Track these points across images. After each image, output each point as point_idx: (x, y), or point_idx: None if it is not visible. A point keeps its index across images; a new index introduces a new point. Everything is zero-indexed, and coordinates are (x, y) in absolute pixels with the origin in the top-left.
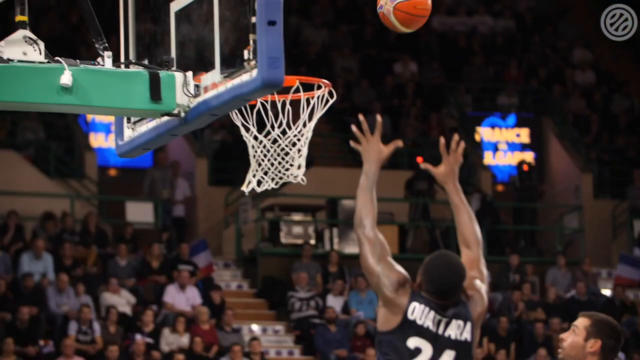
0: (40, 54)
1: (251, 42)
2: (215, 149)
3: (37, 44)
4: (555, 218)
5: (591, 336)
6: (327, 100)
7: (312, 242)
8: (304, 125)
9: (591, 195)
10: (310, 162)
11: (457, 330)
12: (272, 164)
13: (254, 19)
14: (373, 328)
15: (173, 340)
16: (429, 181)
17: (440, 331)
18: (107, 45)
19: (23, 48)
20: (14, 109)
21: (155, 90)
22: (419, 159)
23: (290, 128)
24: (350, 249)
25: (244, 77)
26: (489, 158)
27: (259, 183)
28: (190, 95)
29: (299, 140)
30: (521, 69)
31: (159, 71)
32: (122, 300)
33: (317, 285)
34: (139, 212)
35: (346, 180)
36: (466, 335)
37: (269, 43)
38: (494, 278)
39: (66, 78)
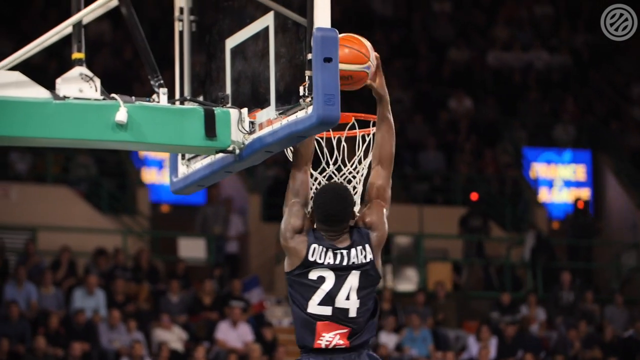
0: (96, 90)
1: (307, 78)
2: (269, 185)
3: (93, 80)
4: (612, 256)
5: None
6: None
7: None
8: (359, 162)
9: None
10: (363, 198)
11: (360, 255)
12: None
13: (309, 56)
14: None
15: None
16: (483, 218)
17: (341, 262)
18: (162, 82)
19: (79, 85)
20: (70, 146)
21: (210, 127)
22: (474, 195)
23: (345, 165)
24: (404, 286)
25: (300, 114)
26: (544, 194)
27: None
28: (245, 132)
29: (354, 177)
30: (577, 105)
31: (214, 108)
32: (173, 337)
33: None
34: (191, 248)
35: (399, 217)
36: (369, 256)
37: (324, 80)
38: (548, 314)
39: (121, 115)
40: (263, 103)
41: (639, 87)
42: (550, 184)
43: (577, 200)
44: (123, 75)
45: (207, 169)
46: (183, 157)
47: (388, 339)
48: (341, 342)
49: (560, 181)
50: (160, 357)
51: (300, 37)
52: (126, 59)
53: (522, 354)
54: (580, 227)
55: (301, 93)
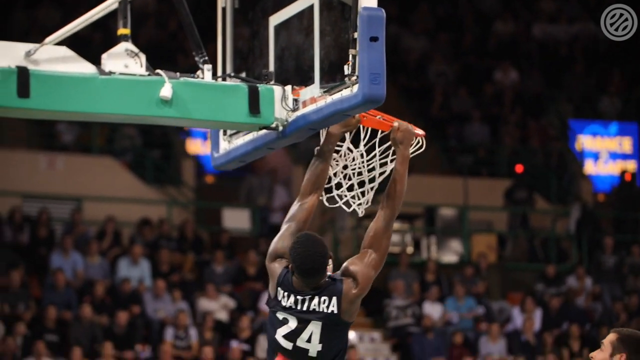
0: (142, 66)
1: (350, 57)
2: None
3: (138, 56)
4: None
5: (616, 351)
6: (420, 147)
7: (410, 250)
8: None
9: None
10: (409, 169)
11: (322, 304)
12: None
13: (355, 35)
14: (472, 336)
15: None
16: (528, 190)
17: (302, 308)
18: (206, 58)
19: (125, 61)
20: (114, 121)
21: (254, 103)
22: (519, 168)
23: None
24: (448, 257)
25: (344, 93)
26: (590, 167)
27: (340, 198)
28: (289, 110)
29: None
30: (624, 77)
31: (257, 85)
32: (218, 307)
33: (414, 294)
34: (236, 219)
35: (444, 189)
36: (332, 308)
37: (370, 59)
38: (594, 285)
39: (166, 91)
40: (307, 81)
41: None
42: (595, 156)
43: (623, 172)
44: (167, 46)
45: (249, 145)
46: (225, 132)
47: (432, 310)
48: None
49: (606, 153)
50: (204, 327)
51: (346, 16)
52: (170, 31)
53: (568, 326)
54: (626, 199)
55: (346, 72)
